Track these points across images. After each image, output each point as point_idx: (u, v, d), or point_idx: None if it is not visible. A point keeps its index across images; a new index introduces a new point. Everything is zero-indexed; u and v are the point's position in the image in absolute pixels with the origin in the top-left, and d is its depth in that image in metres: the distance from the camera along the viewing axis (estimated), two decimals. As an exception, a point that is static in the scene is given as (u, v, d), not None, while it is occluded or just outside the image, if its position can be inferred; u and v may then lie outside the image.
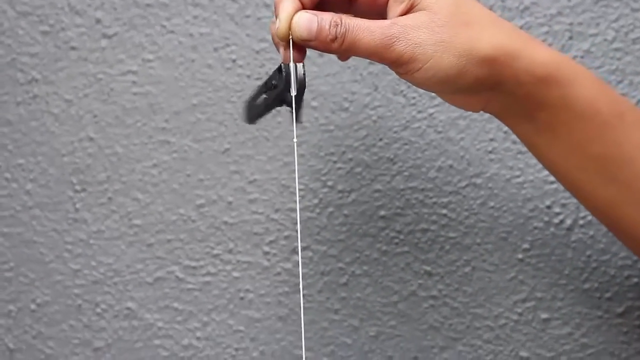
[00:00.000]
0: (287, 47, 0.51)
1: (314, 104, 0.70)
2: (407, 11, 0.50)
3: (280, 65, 0.51)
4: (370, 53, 0.49)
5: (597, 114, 0.52)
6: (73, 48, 0.72)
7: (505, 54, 0.50)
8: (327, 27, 0.49)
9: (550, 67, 0.51)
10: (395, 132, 0.70)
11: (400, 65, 0.49)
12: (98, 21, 0.71)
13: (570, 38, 0.69)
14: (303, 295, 0.71)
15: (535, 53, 0.51)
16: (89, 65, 0.72)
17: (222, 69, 0.71)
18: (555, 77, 0.51)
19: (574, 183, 0.55)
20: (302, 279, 0.71)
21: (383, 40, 0.48)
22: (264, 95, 0.53)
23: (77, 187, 0.72)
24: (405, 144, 0.70)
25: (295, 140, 0.52)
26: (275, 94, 0.51)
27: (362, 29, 0.49)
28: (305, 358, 0.71)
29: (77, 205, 0.72)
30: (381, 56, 0.49)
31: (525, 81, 0.51)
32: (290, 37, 0.50)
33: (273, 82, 0.52)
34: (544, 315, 0.70)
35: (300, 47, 0.51)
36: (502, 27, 0.51)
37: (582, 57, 0.68)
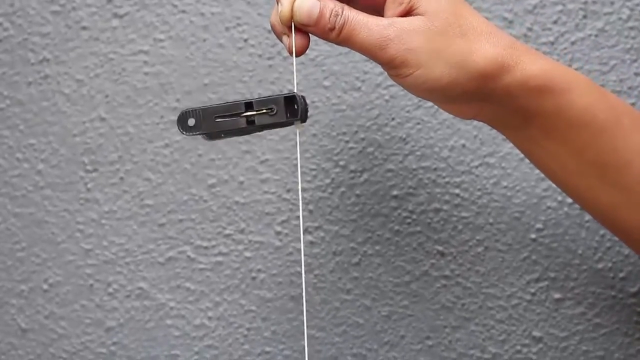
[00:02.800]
0: (289, 33, 0.51)
1: (326, 83, 0.70)
2: (406, 13, 0.49)
3: (294, 95, 0.50)
4: (363, 50, 0.49)
5: (594, 120, 0.52)
6: (84, 28, 0.72)
7: (498, 68, 0.49)
8: (328, 15, 0.49)
9: (543, 77, 0.50)
10: (408, 111, 0.70)
11: (391, 68, 0.49)
12: (109, 0, 0.71)
13: (585, 17, 0.68)
14: (315, 275, 0.71)
15: (528, 65, 0.50)
16: (100, 45, 0.71)
17: (233, 49, 0.71)
18: (548, 87, 0.50)
19: (573, 189, 0.55)
20: (315, 258, 0.71)
21: (378, 40, 0.48)
22: (245, 114, 0.50)
23: (89, 167, 0.72)
24: (418, 123, 0.70)
25: (298, 142, 0.52)
26: (274, 121, 0.50)
27: (361, 24, 0.48)
28: (317, 338, 0.71)
29: (89, 186, 0.72)
30: (374, 55, 0.49)
31: (517, 94, 0.50)
32: (293, 22, 0.50)
33: (270, 106, 0.50)
34: (557, 295, 0.69)
35: (303, 36, 0.51)
36: (498, 40, 0.50)
37: (596, 35, 0.68)
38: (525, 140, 0.54)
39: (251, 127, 0.50)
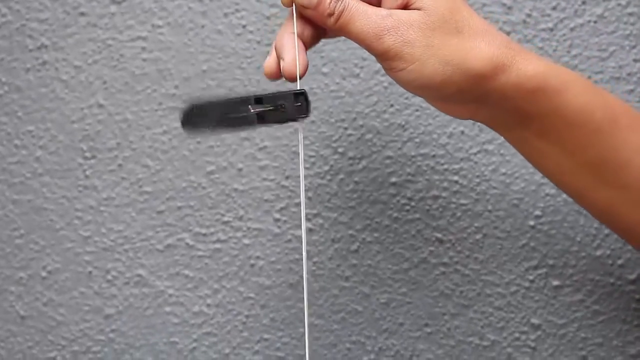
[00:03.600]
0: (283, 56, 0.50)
1: (325, 70, 0.70)
2: (404, 7, 0.49)
3: (304, 92, 0.50)
4: (360, 39, 0.49)
5: (590, 120, 0.51)
6: (82, 14, 0.71)
7: (493, 68, 0.49)
8: (329, 0, 0.48)
9: (538, 79, 0.50)
10: (407, 98, 0.69)
11: (386, 59, 0.49)
12: (107, -13, 0.71)
13: (584, 3, 0.68)
14: (313, 262, 0.71)
15: (524, 66, 0.50)
16: (99, 31, 0.71)
17: (232, 35, 0.70)
18: (543, 88, 0.50)
19: (570, 187, 0.55)
20: (314, 245, 0.70)
21: (375, 29, 0.48)
22: (252, 110, 0.50)
23: (87, 154, 0.72)
24: (417, 110, 0.70)
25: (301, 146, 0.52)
26: (284, 117, 0.50)
27: (360, 12, 0.48)
28: (315, 325, 0.71)
29: (87, 172, 0.72)
30: (370, 45, 0.48)
31: (512, 95, 0.50)
32: (294, 5, 0.50)
33: (281, 103, 0.50)
34: (556, 283, 0.69)
35: (303, 57, 0.50)
36: (493, 39, 0.49)
37: (595, 22, 0.68)
38: (522, 141, 0.54)
39: (260, 123, 0.50)
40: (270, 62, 0.51)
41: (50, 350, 0.73)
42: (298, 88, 0.50)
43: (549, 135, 0.52)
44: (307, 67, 0.50)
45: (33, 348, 0.73)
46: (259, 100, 0.50)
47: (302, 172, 0.50)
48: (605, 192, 0.53)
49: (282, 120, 0.50)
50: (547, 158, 0.54)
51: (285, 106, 0.50)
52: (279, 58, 0.51)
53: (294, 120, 0.50)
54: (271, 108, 0.50)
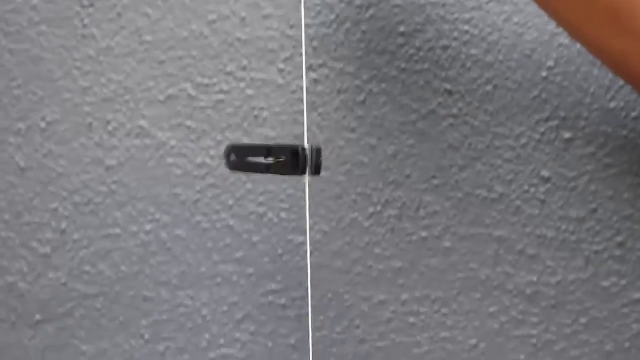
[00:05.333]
0: None
1: None
2: None
3: (298, 149, 0.48)
4: None
5: None
6: None
7: None
8: None
9: None
10: (417, -57, 0.67)
11: None
12: None
13: None
14: (319, 114, 0.69)
15: None
16: None
17: None
18: None
19: (584, 36, 0.53)
20: (319, 96, 0.69)
21: None
22: (264, 160, 0.50)
23: (85, 2, 0.70)
24: (427, -45, 0.67)
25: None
26: (285, 171, 0.49)
27: None
28: (321, 177, 0.69)
29: (86, 21, 0.70)
30: None
31: None
32: None
33: (281, 157, 0.49)
34: (567, 135, 0.68)
35: None
36: None
37: None
38: None
39: (268, 172, 0.50)
40: None
41: (51, 201, 0.72)
42: (305, 143, 0.49)
43: None
44: None
45: (34, 199, 0.72)
46: (269, 150, 0.50)
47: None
48: (619, 42, 0.52)
49: (284, 174, 0.50)
50: (559, 4, 0.52)
51: (285, 160, 0.49)
52: None
53: (294, 174, 0.49)
54: (280, 160, 0.49)
